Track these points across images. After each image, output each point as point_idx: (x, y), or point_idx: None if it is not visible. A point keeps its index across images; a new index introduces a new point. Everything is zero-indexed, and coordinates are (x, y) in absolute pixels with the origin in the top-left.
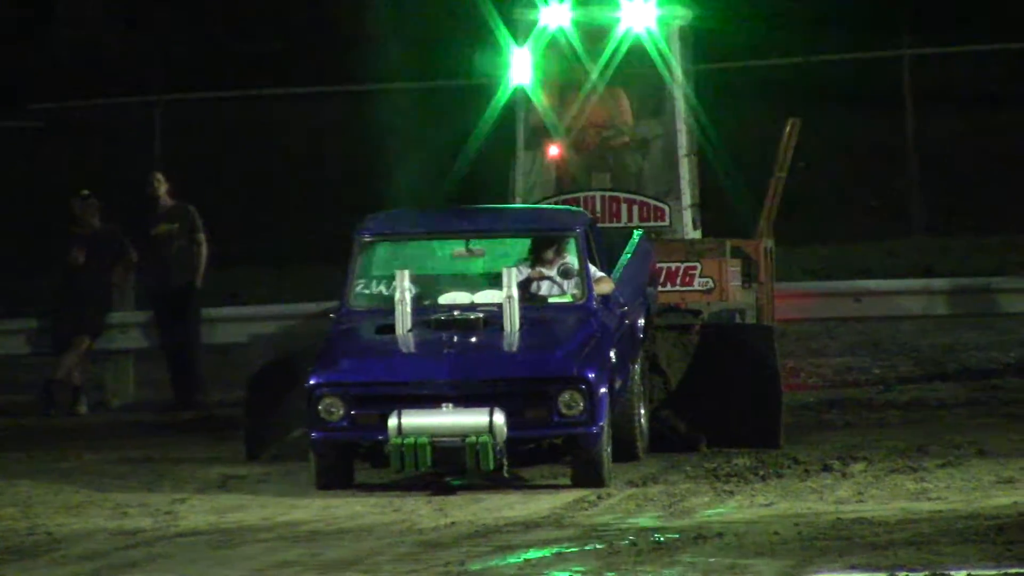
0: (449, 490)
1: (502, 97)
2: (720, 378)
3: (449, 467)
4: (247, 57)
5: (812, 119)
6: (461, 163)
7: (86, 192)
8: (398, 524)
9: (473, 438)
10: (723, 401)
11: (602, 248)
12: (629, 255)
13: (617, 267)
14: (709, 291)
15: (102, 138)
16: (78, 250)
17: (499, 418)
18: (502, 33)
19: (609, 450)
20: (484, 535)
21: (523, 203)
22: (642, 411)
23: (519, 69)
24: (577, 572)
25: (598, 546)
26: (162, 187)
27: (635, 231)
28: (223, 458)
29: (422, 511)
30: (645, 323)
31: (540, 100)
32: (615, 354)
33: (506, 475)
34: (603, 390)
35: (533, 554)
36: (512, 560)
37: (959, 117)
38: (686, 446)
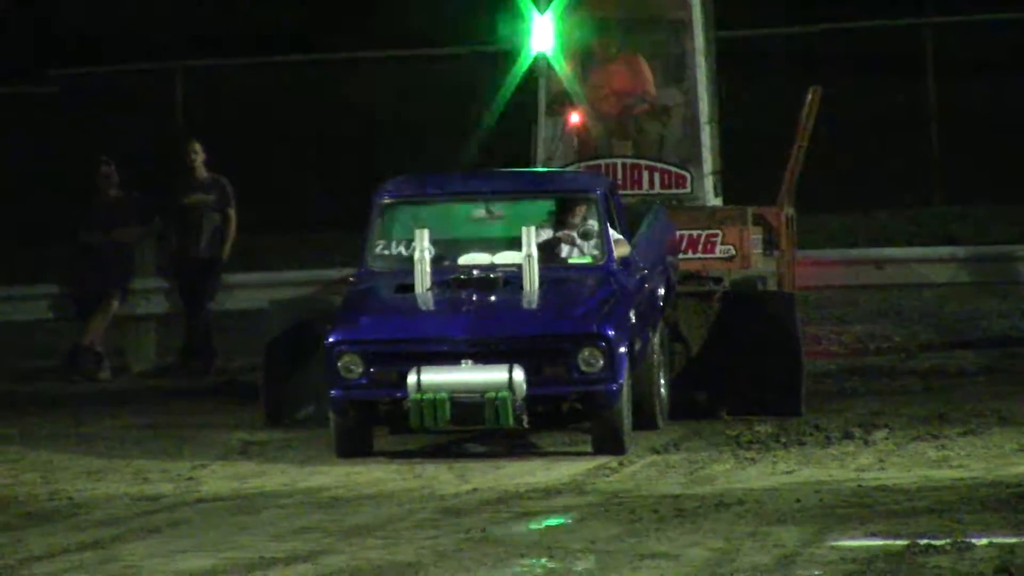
0: (470, 457)
1: (523, 64)
2: (741, 346)
3: (468, 423)
4: (267, 23)
5: (834, 87)
6: (486, 123)
7: (107, 160)
8: (419, 490)
9: (492, 394)
10: (744, 369)
11: (622, 212)
12: (648, 223)
13: (637, 234)
14: (731, 258)
15: (120, 105)
16: (93, 228)
17: (518, 375)
18: (524, 1)
19: (629, 415)
20: (505, 501)
21: None
22: (662, 380)
23: (540, 36)
24: (598, 538)
25: (619, 513)
26: (199, 157)
27: (655, 203)
28: (244, 424)
29: (443, 477)
30: (666, 292)
31: (562, 67)
32: (634, 315)
33: (525, 426)
34: (622, 348)
35: (554, 520)
36: (533, 526)
37: (981, 85)
38: (706, 414)
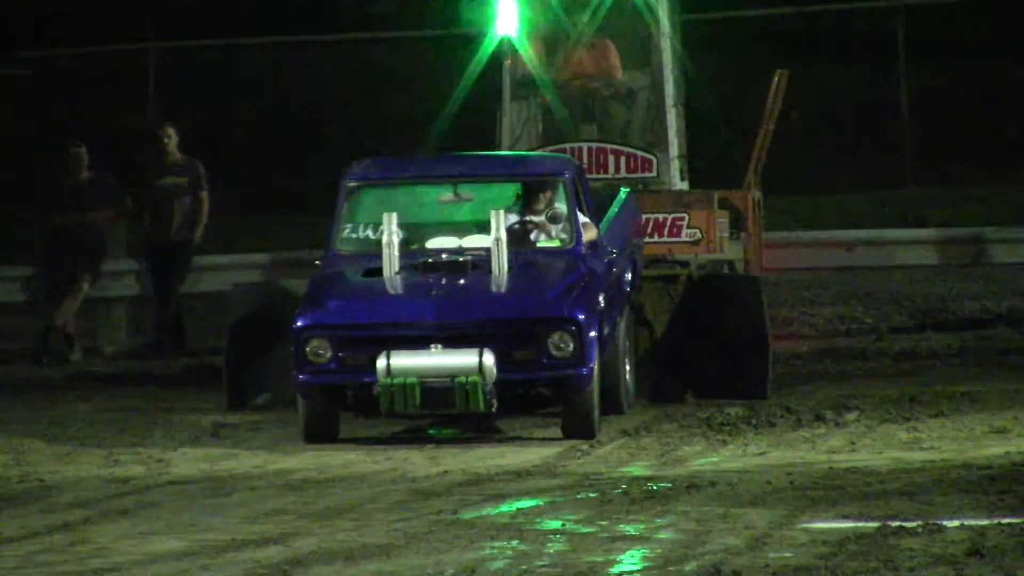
0: (441, 439)
1: (488, 47)
2: (707, 329)
3: (438, 408)
4: (240, 4)
5: (804, 70)
6: (448, 111)
7: (77, 141)
8: (390, 472)
9: (463, 378)
10: (710, 352)
11: (589, 196)
12: (616, 208)
13: (605, 219)
14: (697, 242)
15: (93, 86)
16: (64, 210)
17: (488, 359)
18: None
19: (598, 398)
20: (476, 483)
21: None
22: (627, 365)
23: (505, 19)
24: (569, 521)
25: (590, 495)
26: (172, 141)
27: (621, 188)
28: (214, 407)
29: (414, 460)
30: (632, 276)
31: (526, 51)
32: (603, 299)
33: (495, 411)
34: (593, 332)
35: (525, 503)
36: (504, 508)
37: (952, 67)
38: (672, 398)
